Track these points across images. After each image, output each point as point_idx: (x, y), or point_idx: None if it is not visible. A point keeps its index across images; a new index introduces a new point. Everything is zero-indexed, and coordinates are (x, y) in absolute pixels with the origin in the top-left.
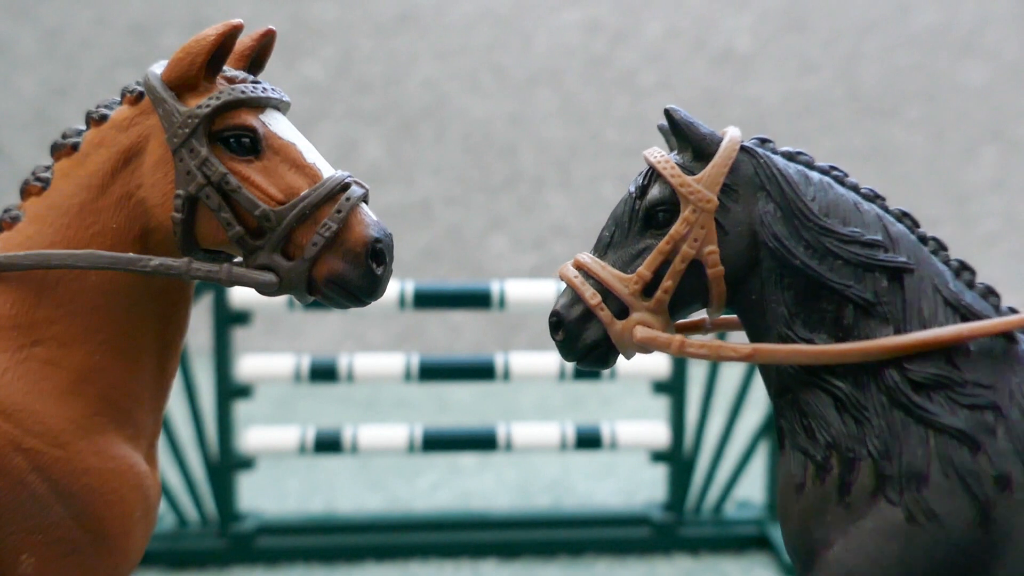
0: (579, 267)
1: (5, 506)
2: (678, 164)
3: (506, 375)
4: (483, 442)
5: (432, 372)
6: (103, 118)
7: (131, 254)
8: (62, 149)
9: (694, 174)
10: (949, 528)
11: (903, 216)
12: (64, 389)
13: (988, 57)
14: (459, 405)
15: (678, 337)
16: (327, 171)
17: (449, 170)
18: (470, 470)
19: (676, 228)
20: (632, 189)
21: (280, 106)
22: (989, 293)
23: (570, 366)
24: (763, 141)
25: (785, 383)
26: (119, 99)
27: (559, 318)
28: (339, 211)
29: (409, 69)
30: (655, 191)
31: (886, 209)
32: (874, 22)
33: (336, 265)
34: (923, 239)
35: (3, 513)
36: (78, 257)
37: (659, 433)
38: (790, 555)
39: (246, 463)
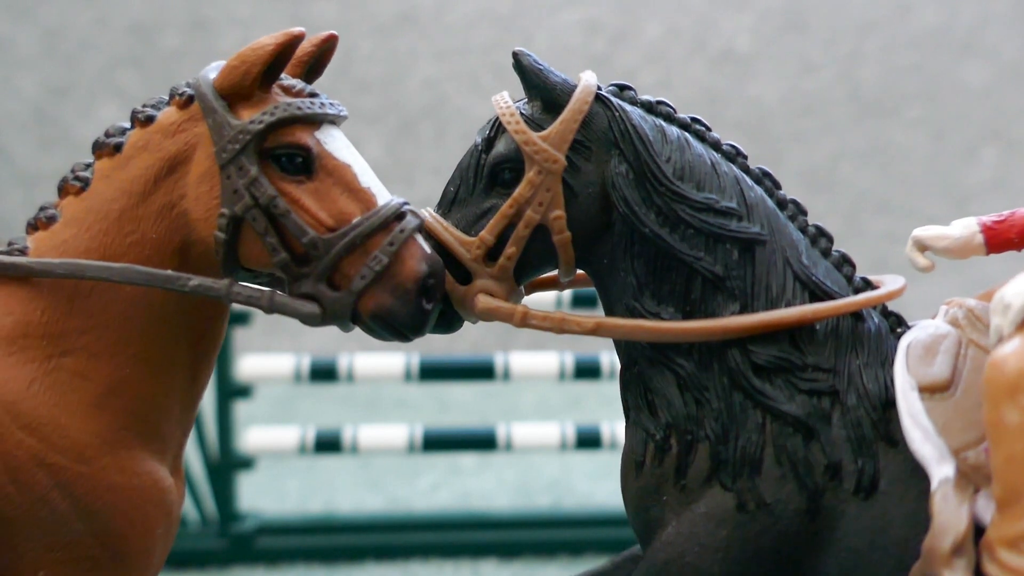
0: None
1: (25, 523)
2: (524, 116)
3: (506, 375)
4: (483, 442)
5: (432, 372)
6: (149, 119)
7: (169, 272)
8: (104, 148)
9: (543, 128)
10: (777, 516)
11: (763, 177)
12: (92, 402)
13: (988, 57)
14: (459, 405)
15: (521, 308)
16: (382, 196)
17: (449, 170)
18: (470, 470)
19: (520, 191)
20: (478, 140)
21: (336, 121)
22: (844, 262)
23: (570, 366)
24: (622, 89)
25: (632, 356)
26: (166, 99)
27: None
28: (391, 244)
29: (409, 69)
30: (500, 146)
31: (747, 169)
32: (874, 22)
33: (384, 299)
34: (782, 203)
35: (23, 530)
36: (113, 271)
37: None
38: (634, 531)
39: (246, 463)
